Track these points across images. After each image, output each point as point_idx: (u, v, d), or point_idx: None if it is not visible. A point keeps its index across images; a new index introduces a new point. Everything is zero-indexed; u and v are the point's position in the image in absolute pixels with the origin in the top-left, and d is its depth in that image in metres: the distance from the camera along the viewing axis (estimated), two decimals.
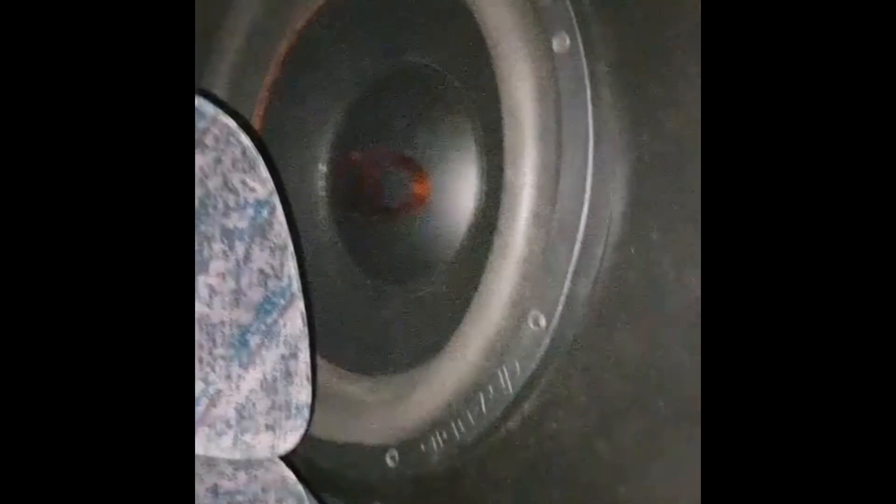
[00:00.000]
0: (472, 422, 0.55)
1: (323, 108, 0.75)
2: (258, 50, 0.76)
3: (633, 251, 0.48)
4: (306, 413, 0.50)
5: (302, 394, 0.50)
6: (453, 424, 0.56)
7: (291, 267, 0.49)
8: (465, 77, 0.63)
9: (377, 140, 0.71)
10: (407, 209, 0.67)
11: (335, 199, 0.75)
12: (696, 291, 0.45)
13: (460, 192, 0.64)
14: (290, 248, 0.49)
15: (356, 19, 0.72)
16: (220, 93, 0.76)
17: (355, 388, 0.66)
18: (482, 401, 0.54)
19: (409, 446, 0.59)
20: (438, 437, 0.57)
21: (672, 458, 0.46)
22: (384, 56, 0.70)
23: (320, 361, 0.70)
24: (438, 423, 0.56)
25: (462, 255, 0.63)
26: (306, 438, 0.65)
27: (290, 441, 0.49)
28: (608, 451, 0.49)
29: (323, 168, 0.76)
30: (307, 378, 0.50)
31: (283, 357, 0.49)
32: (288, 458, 0.67)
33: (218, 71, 0.75)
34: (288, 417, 0.49)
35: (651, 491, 0.47)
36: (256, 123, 0.79)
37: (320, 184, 0.76)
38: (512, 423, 0.54)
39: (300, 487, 0.48)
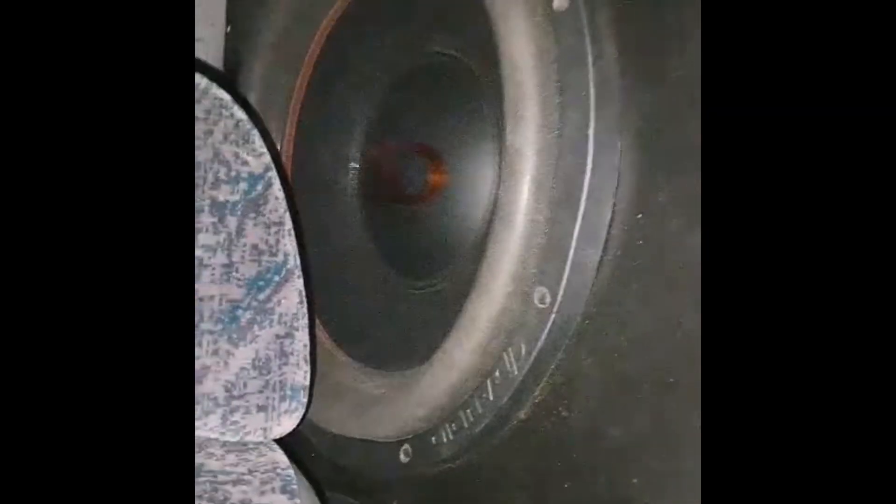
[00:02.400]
0: (480, 410, 0.51)
1: (352, 107, 0.75)
2: (289, 52, 0.77)
3: (640, 216, 0.44)
4: (303, 396, 0.48)
5: (298, 375, 0.48)
6: (461, 414, 0.53)
7: (288, 244, 0.48)
8: (480, 60, 0.61)
9: (401, 133, 0.70)
10: (426, 198, 0.65)
11: (364, 196, 0.74)
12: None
13: (478, 178, 0.61)
14: (288, 225, 0.48)
15: (379, 17, 0.72)
16: (253, 94, 0.77)
17: (374, 383, 0.63)
18: (489, 387, 0.51)
19: (420, 440, 0.56)
20: (448, 429, 0.54)
21: (687, 442, 0.41)
22: (407, 50, 0.69)
23: (343, 357, 0.69)
24: (447, 414, 0.53)
25: (481, 245, 0.60)
26: (323, 433, 0.63)
27: (284, 424, 0.47)
28: (621, 438, 0.44)
29: (354, 166, 0.76)
30: (305, 360, 0.48)
31: (277, 336, 0.47)
32: (310, 457, 0.66)
33: (251, 71, 0.76)
34: (283, 399, 0.47)
35: (665, 481, 0.42)
36: (291, 124, 0.80)
37: (352, 182, 0.76)
38: (522, 413, 0.50)
39: (291, 472, 0.46)
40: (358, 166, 0.75)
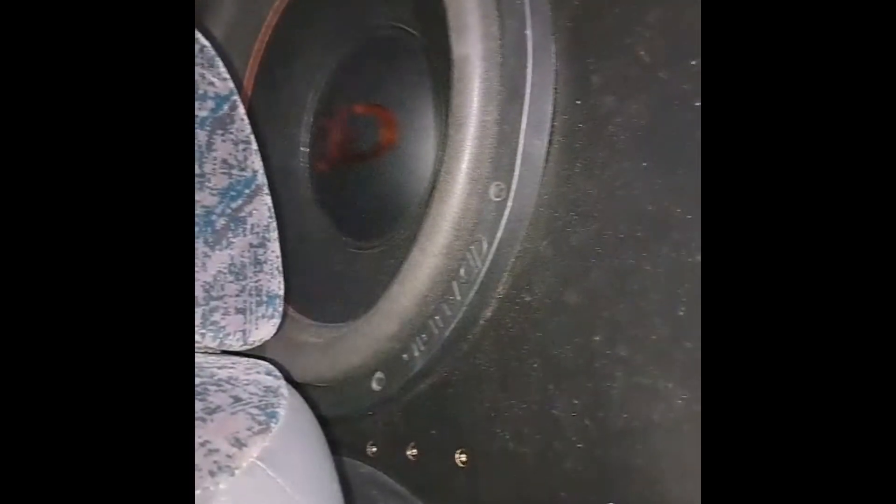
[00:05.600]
0: (449, 313, 0.54)
1: (300, 93, 0.79)
2: (237, 46, 0.81)
3: (578, 102, 0.49)
4: (278, 304, 0.50)
5: (273, 283, 0.50)
6: (430, 323, 0.55)
7: (255, 161, 0.51)
8: (418, 24, 0.67)
9: (350, 104, 0.74)
10: (378, 153, 0.69)
11: (316, 170, 0.77)
12: (644, 121, 0.46)
13: (426, 130, 0.66)
14: (254, 145, 0.51)
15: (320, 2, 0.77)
16: None
17: (339, 331, 0.65)
18: (455, 289, 0.54)
19: (392, 361, 0.58)
20: (418, 341, 0.56)
21: (640, 295, 0.45)
22: (349, 29, 0.74)
23: (308, 321, 0.71)
24: (417, 325, 0.56)
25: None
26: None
27: (262, 329, 0.49)
28: (580, 302, 0.48)
29: (306, 149, 0.79)
30: (278, 270, 0.50)
31: (251, 245, 0.50)
32: None
33: None
34: (259, 304, 0.49)
35: (624, 327, 0.46)
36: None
37: (303, 164, 0.79)
38: (489, 311, 0.54)
39: (273, 366, 0.47)
40: (308, 149, 0.79)
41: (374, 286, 0.68)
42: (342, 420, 0.64)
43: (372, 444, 0.63)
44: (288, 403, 0.43)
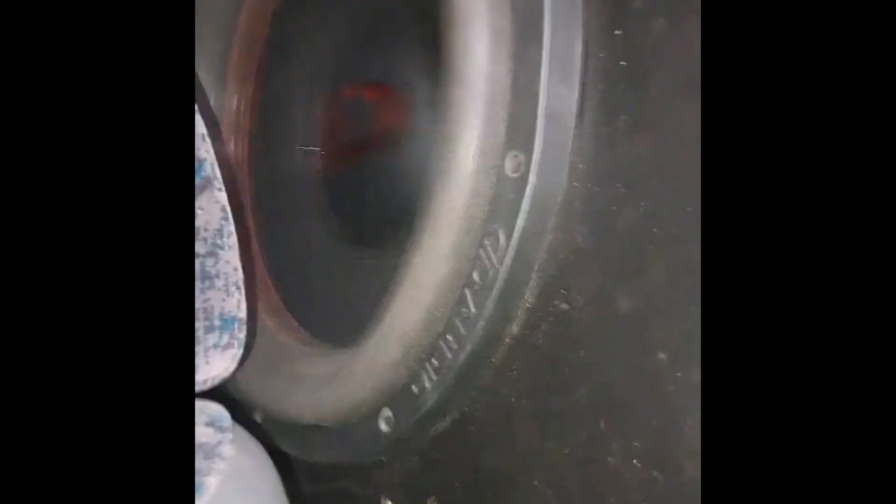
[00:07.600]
0: (463, 330, 0.41)
1: (305, 89, 0.69)
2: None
3: (618, 33, 0.36)
4: (238, 330, 0.39)
5: (228, 303, 0.38)
6: (442, 343, 0.43)
7: (202, 149, 0.39)
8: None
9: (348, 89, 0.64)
10: (386, 140, 0.57)
11: (317, 172, 0.67)
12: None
13: (432, 107, 0.54)
14: (205, 131, 0.40)
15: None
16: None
17: (338, 359, 0.53)
18: (469, 298, 0.41)
19: (400, 395, 0.46)
20: (429, 368, 0.44)
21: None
22: (349, 13, 0.64)
23: (297, 347, 0.59)
24: (424, 350, 0.44)
25: None
26: (292, 430, 0.53)
27: (214, 363, 0.37)
28: (635, 307, 0.35)
29: (316, 148, 0.69)
30: (237, 286, 0.39)
31: (196, 254, 0.38)
32: (288, 465, 0.55)
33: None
34: (209, 330, 0.38)
35: (697, 346, 0.32)
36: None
37: (310, 166, 0.69)
38: (514, 325, 0.41)
39: (223, 410, 0.35)
40: (311, 148, 0.69)
41: (376, 302, 0.56)
42: (351, 469, 0.52)
43: (387, 498, 0.50)
44: (227, 466, 0.31)
